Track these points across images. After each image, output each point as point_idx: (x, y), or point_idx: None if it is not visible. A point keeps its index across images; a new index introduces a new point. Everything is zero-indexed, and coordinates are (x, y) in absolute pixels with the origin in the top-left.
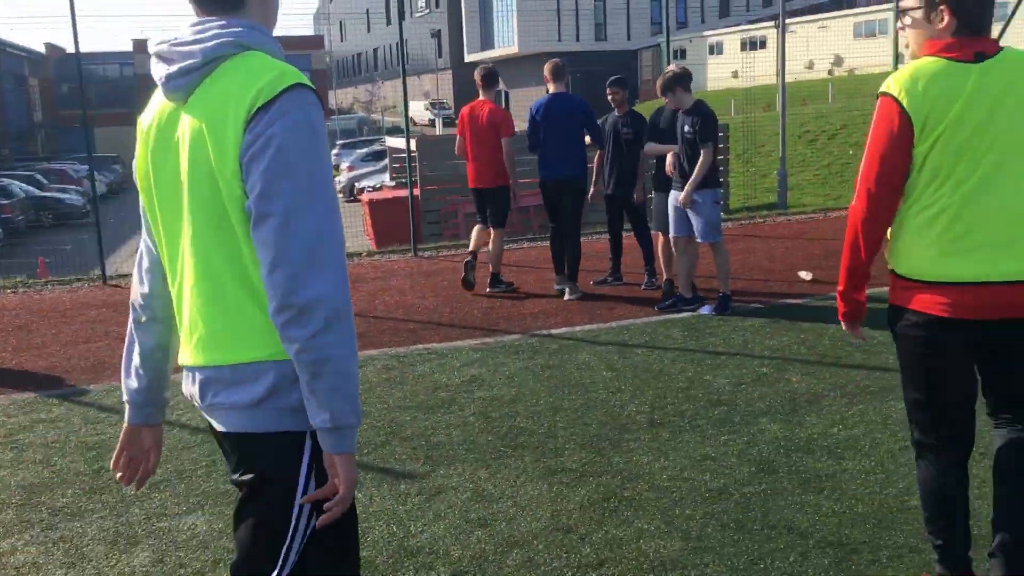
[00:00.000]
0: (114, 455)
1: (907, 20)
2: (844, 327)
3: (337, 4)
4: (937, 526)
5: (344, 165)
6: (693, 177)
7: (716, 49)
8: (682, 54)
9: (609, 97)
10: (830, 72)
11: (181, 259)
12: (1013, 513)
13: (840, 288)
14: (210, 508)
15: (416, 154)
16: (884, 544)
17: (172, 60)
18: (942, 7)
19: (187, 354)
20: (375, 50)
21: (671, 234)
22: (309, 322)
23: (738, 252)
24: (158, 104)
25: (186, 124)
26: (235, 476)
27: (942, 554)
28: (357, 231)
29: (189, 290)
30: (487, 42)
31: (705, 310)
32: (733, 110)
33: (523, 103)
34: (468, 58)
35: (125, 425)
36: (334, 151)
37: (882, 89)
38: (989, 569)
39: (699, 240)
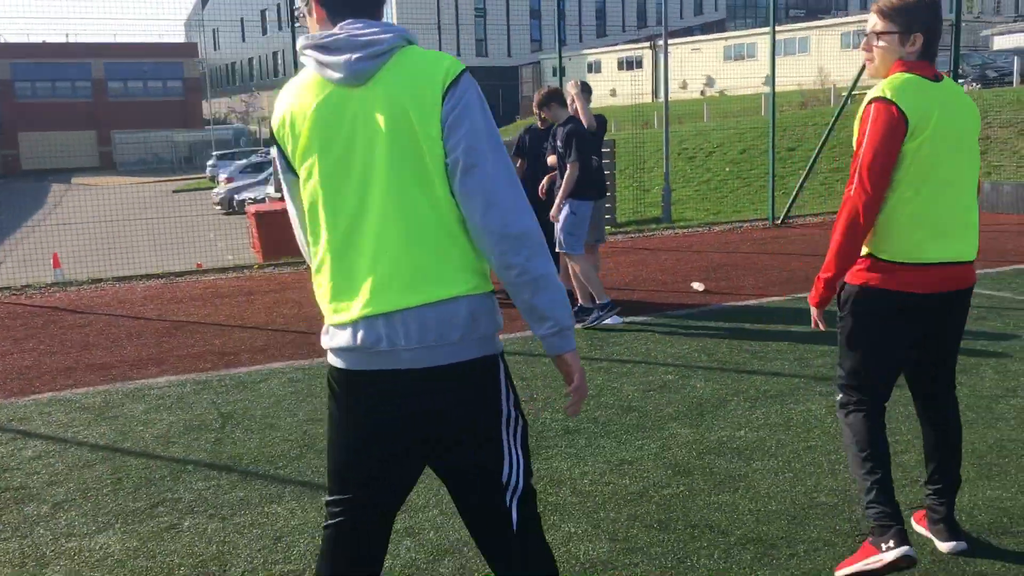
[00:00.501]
0: None
1: (880, 42)
2: (816, 313)
3: (210, 11)
4: (877, 475)
5: (222, 177)
6: (562, 191)
7: (595, 67)
8: (562, 71)
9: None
10: (703, 92)
11: (363, 214)
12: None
13: (829, 274)
14: (121, 527)
15: None
16: (800, 539)
17: (351, 50)
18: (917, 34)
19: (380, 301)
20: (250, 59)
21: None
22: (524, 248)
23: (631, 264)
24: (310, 88)
25: (373, 99)
26: (424, 408)
27: (878, 495)
28: (242, 244)
29: (383, 240)
30: None
31: (613, 319)
32: (614, 127)
33: None
34: None
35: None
36: (209, 162)
37: (877, 95)
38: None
39: (559, 250)
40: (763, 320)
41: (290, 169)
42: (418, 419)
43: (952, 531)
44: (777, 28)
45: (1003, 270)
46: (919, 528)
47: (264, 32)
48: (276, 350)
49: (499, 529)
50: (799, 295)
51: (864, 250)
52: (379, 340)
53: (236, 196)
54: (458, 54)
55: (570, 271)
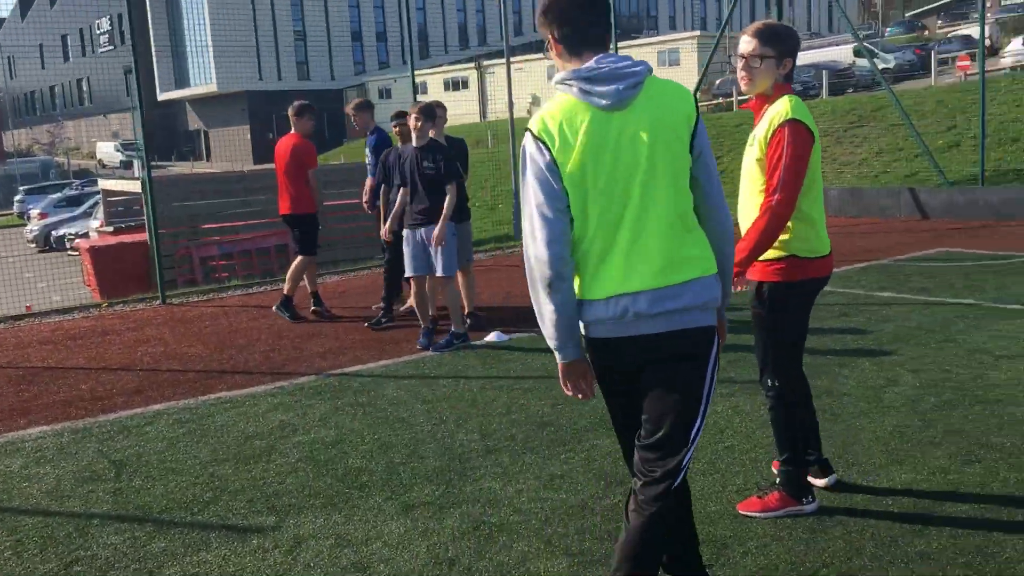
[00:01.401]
0: (571, 384)
1: (759, 64)
2: (739, 280)
3: (5, 37)
4: (799, 446)
5: (34, 212)
6: (446, 214)
7: (421, 89)
8: (388, 93)
9: (396, 130)
10: (528, 112)
11: (632, 210)
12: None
13: (744, 259)
14: None
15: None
16: (748, 536)
17: (616, 80)
18: (788, 59)
19: (654, 277)
20: (52, 88)
21: (413, 273)
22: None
23: (501, 281)
24: (575, 109)
25: (637, 119)
26: (662, 363)
27: (801, 461)
28: (69, 283)
29: (652, 229)
30: (182, 80)
31: (497, 336)
32: None
33: (224, 141)
34: (161, 96)
35: (566, 363)
36: (17, 198)
37: (791, 117)
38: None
39: (440, 275)
40: None
41: (556, 169)
42: None
43: (825, 470)
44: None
45: (848, 269)
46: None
47: (66, 59)
48: (153, 391)
49: None
50: None
51: (782, 252)
52: (637, 312)
53: (54, 232)
54: (279, 78)
55: (438, 294)
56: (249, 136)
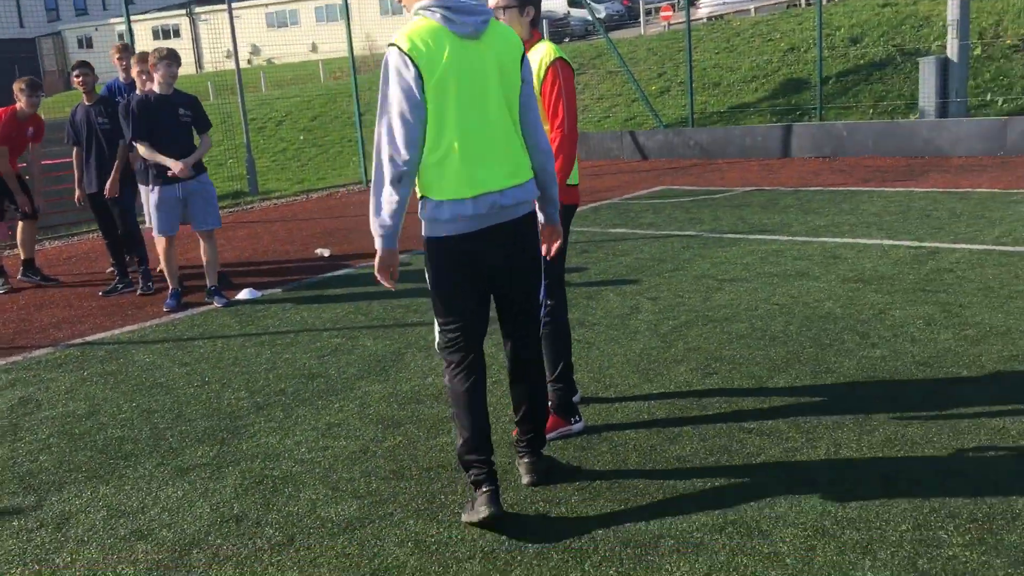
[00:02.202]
0: (386, 271)
1: (503, 15)
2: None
3: None
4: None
5: None
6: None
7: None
8: (88, 42)
9: (78, 82)
10: (249, 61)
11: (480, 122)
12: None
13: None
14: None
15: None
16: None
17: (475, 15)
18: (529, 7)
19: (499, 178)
20: None
21: (164, 231)
22: (552, 156)
23: (245, 239)
24: (438, 34)
25: (488, 49)
26: (516, 242)
27: (570, 378)
28: None
29: (496, 140)
30: None
31: (250, 293)
32: None
33: None
34: None
35: (387, 248)
36: None
37: (558, 56)
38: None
39: (211, 227)
40: (403, 278)
41: (421, 86)
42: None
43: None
44: None
45: (584, 209)
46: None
47: None
48: None
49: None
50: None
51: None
52: (498, 203)
53: None
54: None
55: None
56: None
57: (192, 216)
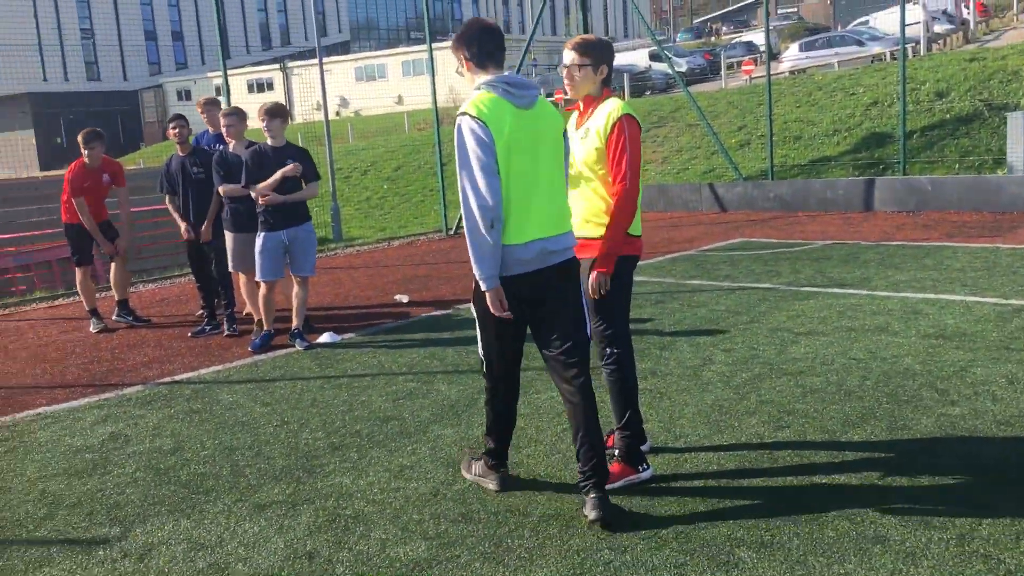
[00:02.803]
0: (500, 307)
1: (579, 73)
2: (606, 279)
3: None
4: (636, 415)
5: None
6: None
7: (220, 91)
8: (187, 95)
9: (174, 134)
10: (338, 113)
11: (533, 179)
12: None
13: (615, 248)
14: None
15: None
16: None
17: (528, 88)
18: (603, 66)
19: (548, 227)
20: None
21: (267, 277)
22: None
23: (328, 284)
24: (501, 107)
25: (540, 119)
26: (562, 282)
27: (639, 424)
28: None
29: (545, 195)
30: None
31: (331, 337)
32: None
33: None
34: None
35: (494, 289)
36: None
37: (625, 113)
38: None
39: (307, 275)
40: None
41: (492, 143)
42: None
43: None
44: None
45: (661, 260)
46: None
47: None
48: None
49: None
50: None
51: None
52: (551, 249)
53: None
54: (65, 79)
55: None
56: (34, 141)
57: (292, 260)
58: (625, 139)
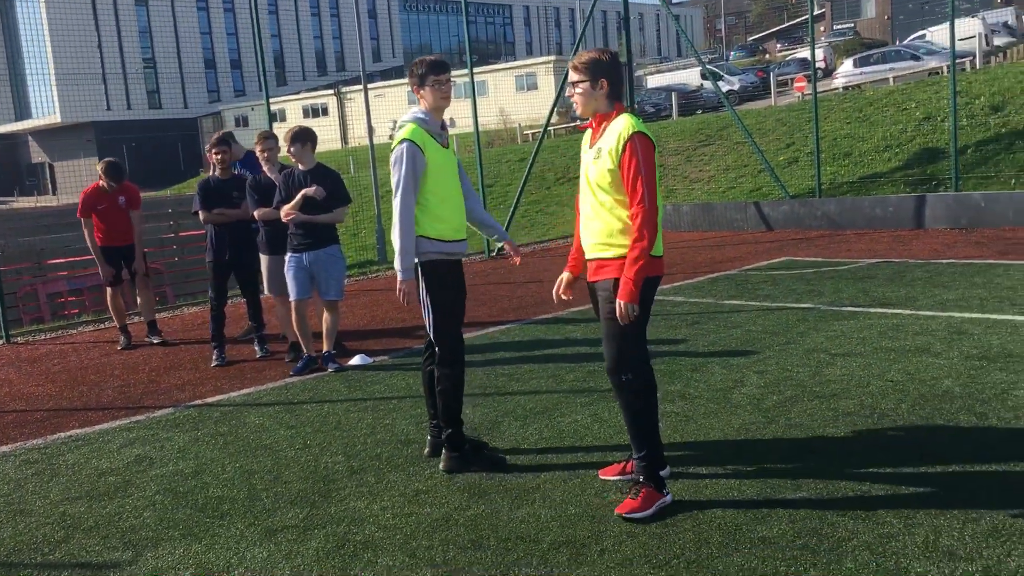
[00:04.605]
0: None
1: (579, 90)
2: (634, 305)
3: None
4: (655, 439)
5: None
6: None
7: (280, 116)
8: (244, 121)
9: (217, 159)
10: (390, 137)
11: (456, 194)
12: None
13: (641, 274)
14: None
15: None
16: (605, 535)
17: (444, 130)
18: (602, 80)
19: (461, 231)
20: None
21: (299, 296)
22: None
23: (366, 306)
24: (431, 138)
25: (451, 155)
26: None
27: (660, 450)
28: None
29: (459, 204)
30: (23, 111)
31: (362, 359)
32: None
33: (70, 174)
34: (0, 129)
35: (411, 279)
36: None
37: (636, 131)
38: None
39: (334, 298)
40: (507, 346)
41: (421, 172)
42: None
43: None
44: (456, 73)
45: (700, 280)
46: (604, 478)
47: None
48: None
49: None
50: (534, 319)
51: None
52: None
53: None
54: (128, 107)
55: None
56: (98, 168)
57: (317, 283)
58: (639, 160)
